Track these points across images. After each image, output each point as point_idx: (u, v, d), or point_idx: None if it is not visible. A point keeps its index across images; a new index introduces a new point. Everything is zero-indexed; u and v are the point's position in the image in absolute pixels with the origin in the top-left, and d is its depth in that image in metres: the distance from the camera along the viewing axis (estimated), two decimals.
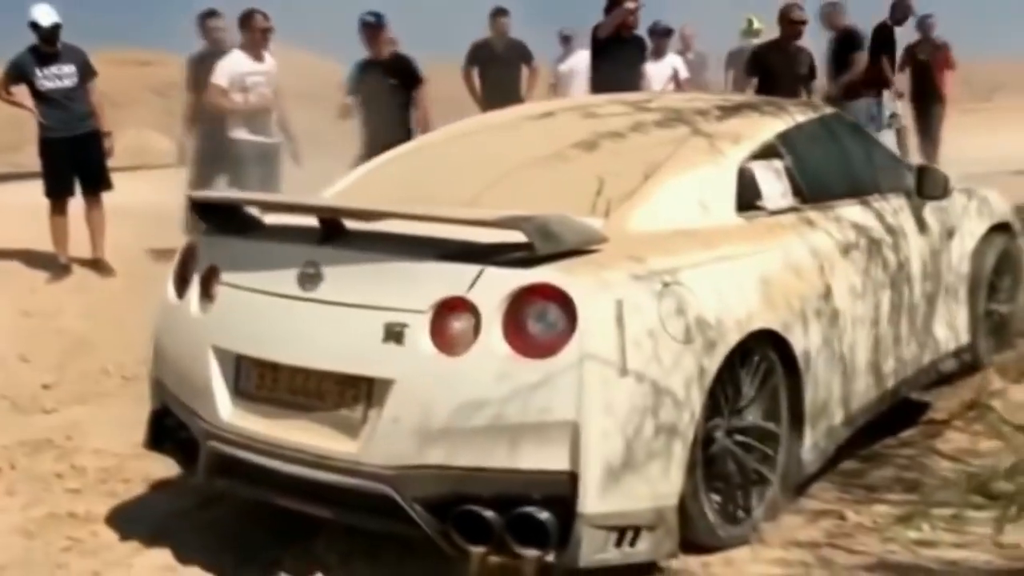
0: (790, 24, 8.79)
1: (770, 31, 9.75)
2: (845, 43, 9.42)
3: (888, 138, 9.67)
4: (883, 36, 10.19)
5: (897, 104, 10.25)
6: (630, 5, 8.35)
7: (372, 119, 8.16)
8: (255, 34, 8.01)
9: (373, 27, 8.37)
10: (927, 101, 10.87)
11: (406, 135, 7.98)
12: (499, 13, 9.63)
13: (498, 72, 9.53)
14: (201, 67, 8.27)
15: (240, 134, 7.95)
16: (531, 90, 9.64)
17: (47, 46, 7.74)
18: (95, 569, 3.80)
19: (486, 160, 4.15)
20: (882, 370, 4.37)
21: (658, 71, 9.68)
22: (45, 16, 7.71)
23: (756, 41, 10.33)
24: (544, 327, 3.10)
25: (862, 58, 9.39)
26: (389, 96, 8.16)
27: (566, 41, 10.44)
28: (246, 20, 8.02)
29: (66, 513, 4.32)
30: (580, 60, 10.00)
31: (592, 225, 3.36)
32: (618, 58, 8.44)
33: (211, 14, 8.50)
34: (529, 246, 3.11)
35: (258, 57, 8.04)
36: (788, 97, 6.46)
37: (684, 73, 9.88)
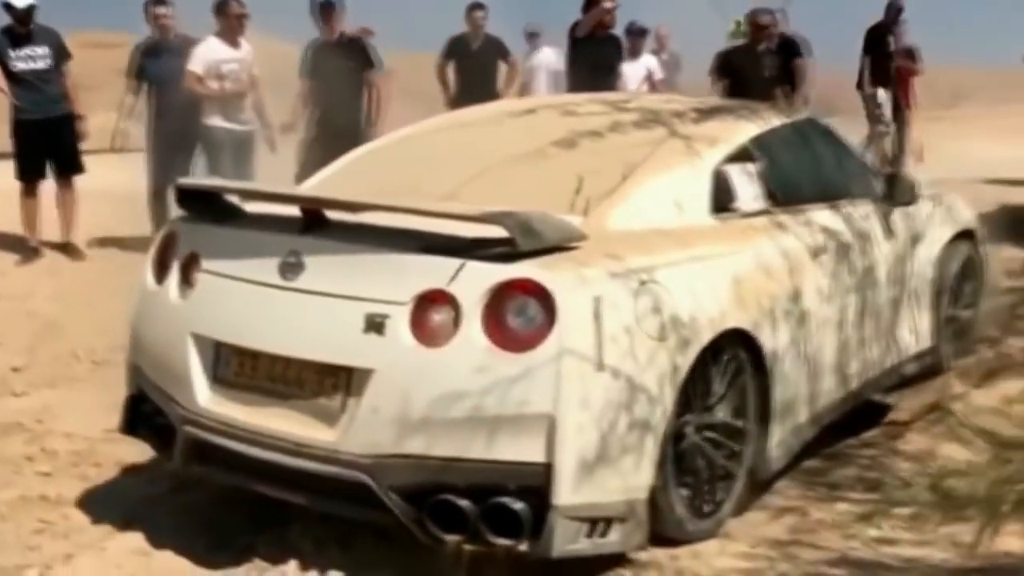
0: (757, 28, 9.05)
1: None
2: (786, 51, 9.53)
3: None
4: (874, 37, 10.42)
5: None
6: (607, 4, 8.42)
7: (324, 102, 8.09)
8: (231, 20, 7.98)
9: (326, 7, 8.26)
10: (897, 107, 11.06)
11: (358, 120, 8.03)
12: (475, 8, 9.55)
13: (473, 67, 9.44)
14: (146, 55, 8.20)
15: (215, 121, 7.93)
16: (509, 87, 9.60)
17: (21, 27, 7.71)
18: (67, 552, 3.81)
19: (467, 155, 4.20)
20: (847, 371, 4.47)
21: (633, 71, 9.74)
22: None
23: (737, 43, 10.43)
24: (523, 321, 3.16)
25: (803, 65, 9.42)
26: (343, 79, 8.04)
27: (531, 38, 10.38)
28: (222, 7, 8.00)
29: (37, 496, 4.33)
30: (543, 57, 10.16)
31: (572, 223, 3.42)
32: (595, 57, 8.50)
33: (158, 1, 8.32)
34: (510, 241, 3.17)
35: (234, 44, 8.02)
36: (758, 100, 6.57)
37: (659, 74, 9.94)
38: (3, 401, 5.65)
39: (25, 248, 7.81)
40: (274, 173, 7.60)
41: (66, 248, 7.88)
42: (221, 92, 7.91)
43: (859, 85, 11.11)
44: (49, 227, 7.97)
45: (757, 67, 8.89)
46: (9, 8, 7.70)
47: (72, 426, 5.12)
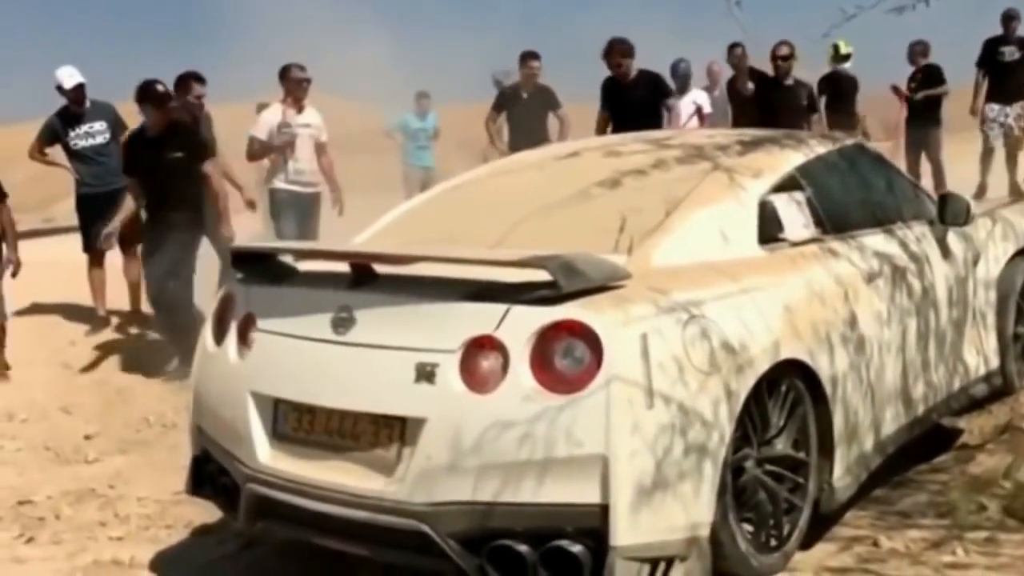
0: (774, 59, 9.27)
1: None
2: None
3: None
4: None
5: None
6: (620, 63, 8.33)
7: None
8: (291, 84, 8.15)
9: (158, 97, 7.13)
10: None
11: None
12: (529, 57, 9.35)
13: (523, 118, 9.27)
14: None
15: (278, 183, 8.09)
16: (561, 139, 9.21)
17: (75, 106, 7.95)
18: None
19: (513, 201, 4.24)
20: (911, 396, 4.40)
21: (682, 106, 9.77)
22: (68, 78, 7.93)
23: (847, 65, 10.49)
24: (571, 362, 3.17)
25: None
26: (167, 173, 7.04)
27: (499, 85, 10.44)
28: (284, 72, 8.17)
29: (111, 560, 4.41)
30: None
31: (615, 261, 3.43)
32: (631, 99, 8.42)
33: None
34: (554, 284, 3.19)
35: (297, 109, 8.16)
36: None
37: (707, 108, 9.93)
38: (76, 469, 5.79)
39: (94, 318, 8.00)
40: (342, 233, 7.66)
41: (134, 316, 8.05)
42: (280, 156, 8.06)
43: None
44: (116, 297, 8.14)
45: (787, 99, 9.13)
46: (61, 90, 7.94)
47: (143, 490, 5.23)
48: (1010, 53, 10.71)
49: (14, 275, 7.17)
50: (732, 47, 10.12)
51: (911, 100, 10.81)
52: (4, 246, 7.21)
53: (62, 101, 8.03)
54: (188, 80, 7.75)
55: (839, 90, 10.41)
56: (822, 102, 10.25)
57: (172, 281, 6.96)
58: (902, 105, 11.04)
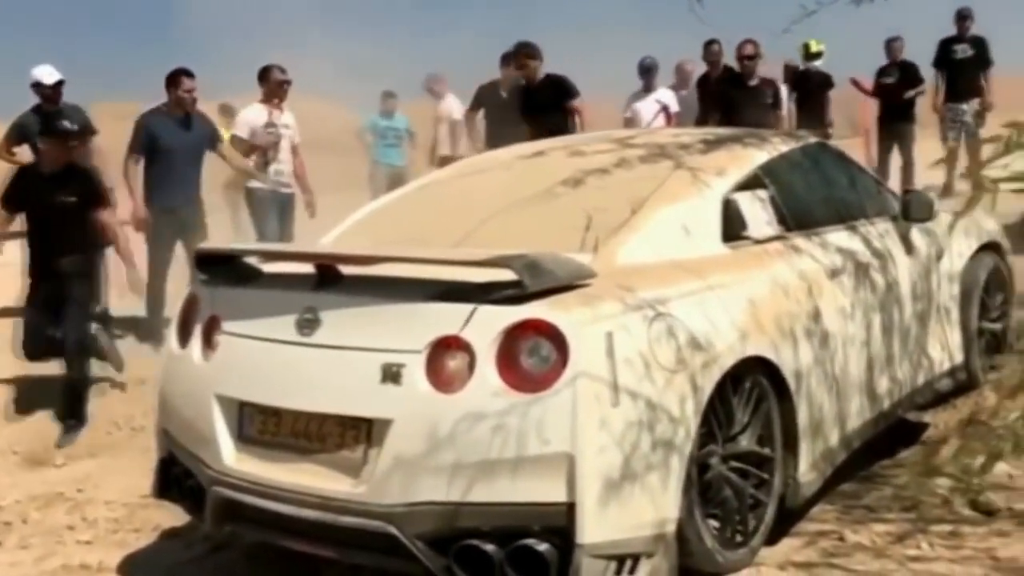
0: (740, 59, 9.38)
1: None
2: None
3: None
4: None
5: None
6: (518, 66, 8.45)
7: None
8: (272, 86, 8.17)
9: (61, 133, 6.69)
10: None
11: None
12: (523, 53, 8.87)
13: (505, 117, 9.04)
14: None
15: (258, 183, 8.13)
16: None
17: (50, 105, 7.86)
18: None
19: (476, 201, 4.25)
20: (876, 391, 4.44)
21: (646, 106, 9.78)
22: (48, 75, 7.85)
23: (818, 64, 10.55)
24: (537, 361, 3.18)
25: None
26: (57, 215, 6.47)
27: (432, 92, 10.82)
28: (265, 73, 8.18)
29: (79, 565, 4.40)
30: (446, 106, 10.75)
31: (581, 260, 3.45)
32: (537, 101, 8.46)
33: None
34: (519, 283, 3.20)
35: (277, 109, 8.16)
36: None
37: (674, 107, 9.91)
38: (45, 473, 5.76)
39: None
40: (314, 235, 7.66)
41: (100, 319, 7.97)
42: (261, 157, 8.05)
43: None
44: None
45: (752, 97, 9.20)
46: (38, 86, 7.86)
47: (111, 494, 5.21)
48: (962, 51, 10.83)
49: None
50: (709, 43, 10.12)
51: (885, 96, 10.87)
52: None
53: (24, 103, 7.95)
54: (178, 76, 7.69)
55: (809, 88, 10.48)
56: (793, 100, 10.32)
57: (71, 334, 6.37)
58: (865, 98, 11.10)
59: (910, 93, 10.86)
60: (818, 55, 10.55)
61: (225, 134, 8.35)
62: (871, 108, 11.31)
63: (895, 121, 10.81)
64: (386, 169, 11.34)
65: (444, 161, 9.58)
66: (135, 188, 7.53)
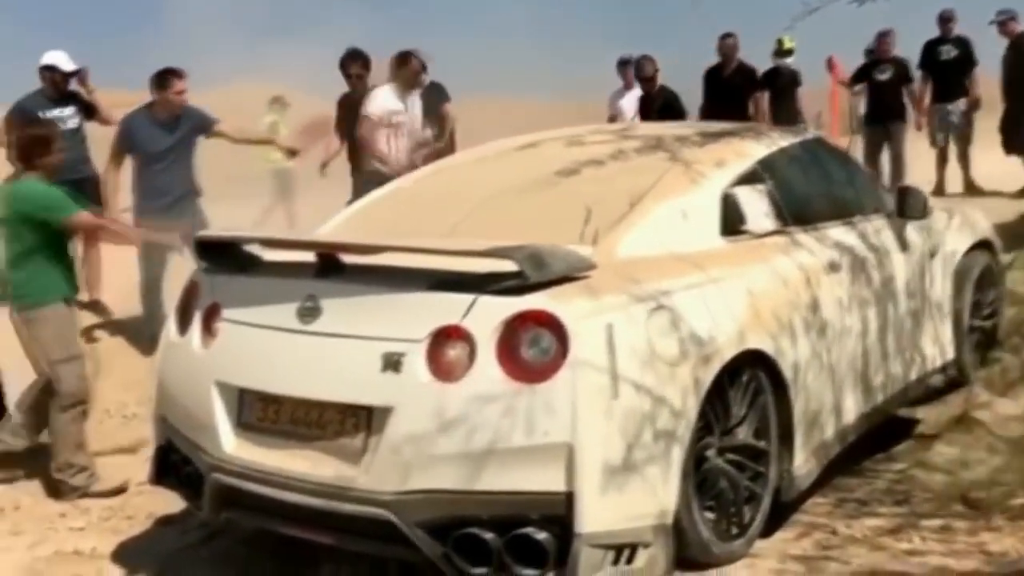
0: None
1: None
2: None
3: None
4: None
5: None
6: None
7: None
8: (408, 73, 7.99)
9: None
10: None
11: None
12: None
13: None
14: None
15: (377, 165, 7.84)
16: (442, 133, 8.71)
17: (53, 90, 7.80)
18: None
19: (477, 192, 4.25)
20: (870, 387, 4.47)
21: (627, 103, 9.79)
22: (67, 62, 7.79)
23: (789, 61, 10.58)
24: (537, 352, 3.20)
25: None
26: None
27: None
28: (403, 59, 7.99)
29: (72, 551, 4.39)
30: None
31: (581, 252, 3.46)
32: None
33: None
34: (520, 274, 3.22)
35: (406, 95, 8.02)
36: None
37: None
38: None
39: None
40: None
41: (93, 306, 7.96)
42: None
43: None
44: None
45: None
46: (51, 70, 7.77)
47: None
48: (947, 52, 10.84)
49: None
50: (724, 37, 10.17)
51: (876, 92, 10.84)
52: None
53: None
54: (167, 76, 7.34)
55: (781, 84, 10.51)
56: (765, 97, 10.39)
57: None
58: (834, 82, 11.02)
59: (920, 86, 10.85)
60: (790, 52, 10.58)
61: (278, 125, 8.06)
62: (840, 95, 11.23)
63: (887, 119, 10.74)
64: None
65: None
66: (110, 195, 7.30)
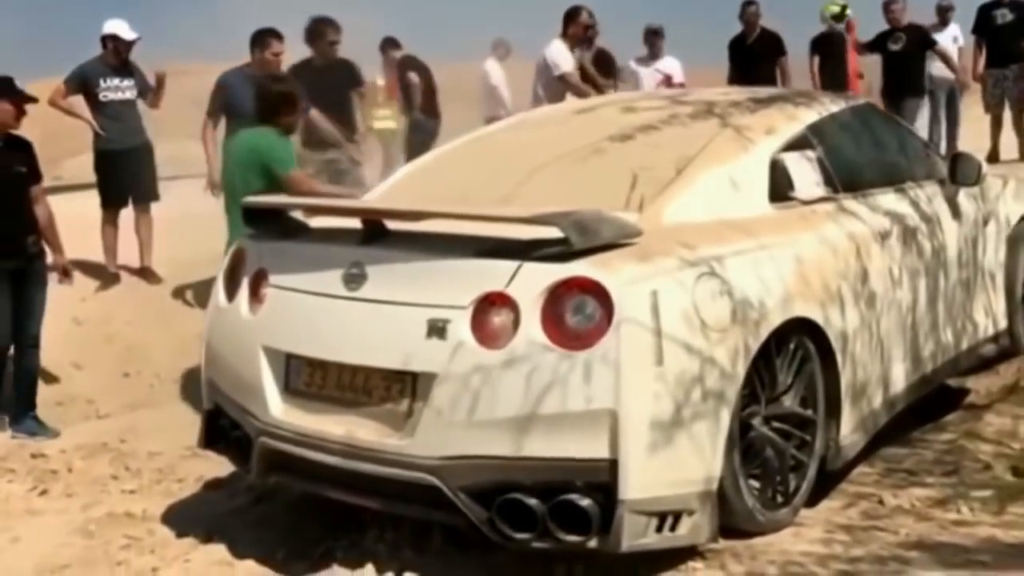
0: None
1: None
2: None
3: None
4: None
5: None
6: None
7: None
8: (578, 30, 8.12)
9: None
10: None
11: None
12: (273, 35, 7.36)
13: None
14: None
15: None
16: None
17: (113, 58, 7.84)
18: (153, 565, 3.93)
19: (523, 157, 4.23)
20: (920, 355, 4.41)
21: (647, 73, 9.71)
22: (128, 31, 7.84)
23: (839, 25, 10.37)
24: (581, 319, 3.19)
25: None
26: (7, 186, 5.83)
27: None
28: (573, 15, 8.15)
29: (123, 513, 4.45)
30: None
31: (627, 219, 3.44)
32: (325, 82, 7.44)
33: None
34: (565, 241, 3.20)
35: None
36: None
37: (679, 77, 9.79)
38: (88, 424, 5.84)
39: (104, 274, 8.01)
40: None
41: (144, 273, 8.07)
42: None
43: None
44: (126, 253, 8.15)
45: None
46: (114, 39, 7.80)
47: (155, 444, 5.28)
48: (1002, 16, 10.59)
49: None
50: (747, 4, 10.08)
51: (889, 63, 10.48)
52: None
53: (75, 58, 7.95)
54: (266, 36, 7.15)
55: (832, 50, 10.28)
56: (815, 62, 10.20)
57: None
58: (852, 45, 10.68)
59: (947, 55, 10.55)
60: (842, 16, 10.36)
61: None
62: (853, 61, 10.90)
63: (901, 93, 10.17)
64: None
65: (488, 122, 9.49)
66: (211, 152, 7.14)
